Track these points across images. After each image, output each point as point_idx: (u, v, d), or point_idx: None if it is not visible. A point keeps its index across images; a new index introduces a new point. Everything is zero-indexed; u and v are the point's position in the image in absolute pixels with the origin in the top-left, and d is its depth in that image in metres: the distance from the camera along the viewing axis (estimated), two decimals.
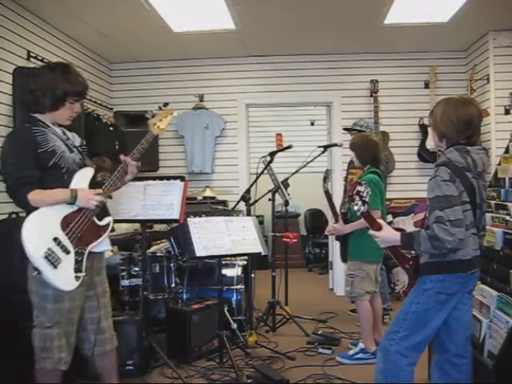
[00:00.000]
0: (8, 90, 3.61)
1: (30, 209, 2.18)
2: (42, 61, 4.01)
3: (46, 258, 2.11)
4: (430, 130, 2.26)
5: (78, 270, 2.21)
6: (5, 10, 3.67)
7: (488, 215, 3.02)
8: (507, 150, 3.66)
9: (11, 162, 2.18)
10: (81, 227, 2.23)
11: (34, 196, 2.14)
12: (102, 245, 2.40)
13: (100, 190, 2.29)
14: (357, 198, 2.12)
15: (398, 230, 2.16)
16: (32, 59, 3.94)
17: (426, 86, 5.41)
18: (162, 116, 2.69)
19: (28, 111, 2.31)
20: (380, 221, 2.17)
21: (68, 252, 2.19)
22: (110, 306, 2.53)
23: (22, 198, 2.16)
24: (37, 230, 2.14)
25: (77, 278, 2.20)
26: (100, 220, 2.34)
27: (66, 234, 2.19)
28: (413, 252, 2.15)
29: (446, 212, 1.93)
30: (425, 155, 5.30)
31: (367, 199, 2.11)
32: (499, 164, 3.62)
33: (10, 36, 3.72)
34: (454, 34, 4.81)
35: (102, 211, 2.36)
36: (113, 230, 2.49)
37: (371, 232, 2.16)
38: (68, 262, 2.19)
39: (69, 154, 2.29)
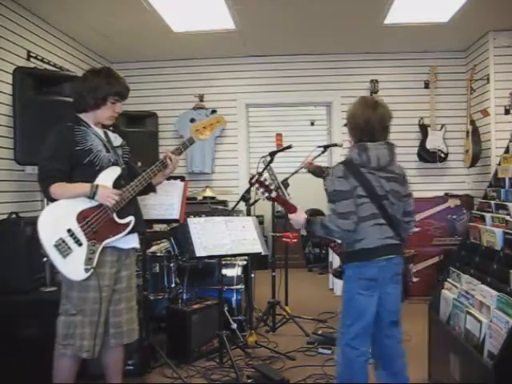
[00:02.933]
0: (8, 90, 3.61)
1: (52, 200, 2.32)
2: (41, 61, 4.02)
3: (56, 246, 2.24)
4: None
5: (88, 262, 2.29)
6: (5, 9, 3.67)
7: (488, 215, 3.02)
8: (507, 150, 3.65)
9: (45, 156, 2.33)
10: (97, 222, 2.33)
11: (55, 189, 2.29)
12: (130, 242, 2.50)
13: (120, 192, 2.37)
14: (258, 185, 2.37)
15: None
16: (32, 59, 3.94)
17: (426, 86, 5.41)
18: (207, 123, 2.76)
19: (75, 111, 2.47)
20: (295, 204, 2.37)
21: (80, 244, 2.29)
22: (135, 301, 2.60)
23: (45, 189, 2.31)
24: (52, 220, 2.28)
25: (86, 269, 2.29)
26: (122, 218, 2.41)
27: (81, 227, 2.30)
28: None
29: (337, 205, 2.21)
30: (425, 155, 5.30)
31: (272, 186, 2.34)
32: (499, 164, 3.60)
33: (10, 36, 3.72)
34: (454, 33, 4.81)
35: (126, 210, 2.42)
36: (148, 228, 2.57)
37: (289, 215, 2.35)
38: (79, 253, 2.29)
39: (105, 153, 2.41)
